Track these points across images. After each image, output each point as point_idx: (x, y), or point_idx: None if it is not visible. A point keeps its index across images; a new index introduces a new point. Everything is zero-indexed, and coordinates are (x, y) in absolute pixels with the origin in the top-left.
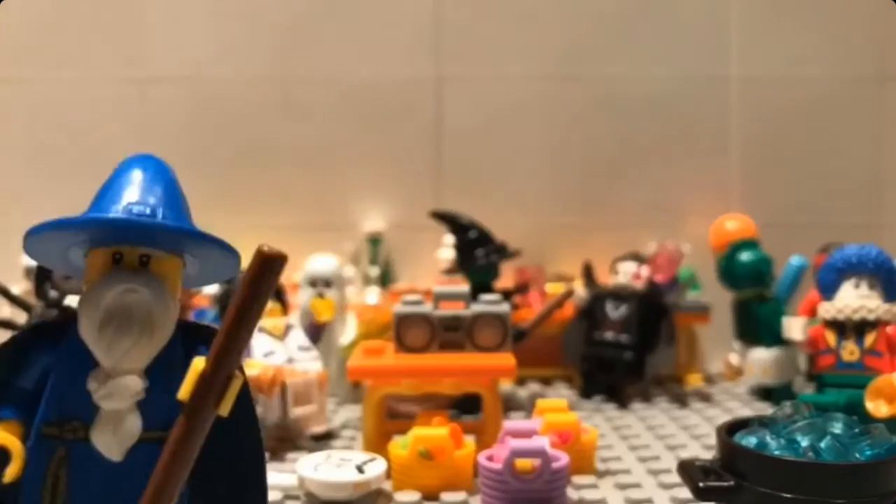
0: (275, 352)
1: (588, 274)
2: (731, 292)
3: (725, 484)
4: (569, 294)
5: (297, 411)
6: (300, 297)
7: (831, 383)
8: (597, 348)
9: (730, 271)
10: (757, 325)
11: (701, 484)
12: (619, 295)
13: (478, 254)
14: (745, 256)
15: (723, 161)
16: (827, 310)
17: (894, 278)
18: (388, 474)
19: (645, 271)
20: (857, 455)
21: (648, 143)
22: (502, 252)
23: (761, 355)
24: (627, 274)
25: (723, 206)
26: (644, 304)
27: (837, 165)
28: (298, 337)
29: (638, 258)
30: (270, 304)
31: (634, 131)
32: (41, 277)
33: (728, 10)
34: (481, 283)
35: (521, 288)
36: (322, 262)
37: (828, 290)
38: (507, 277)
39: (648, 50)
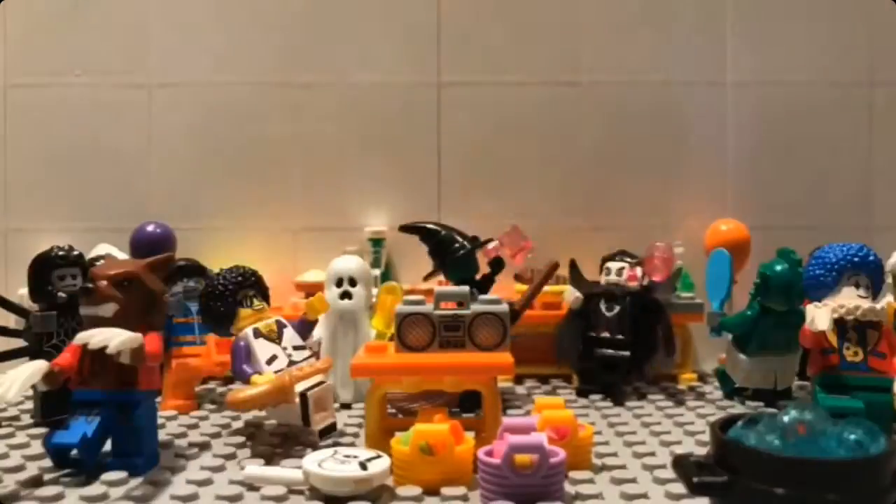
0: (277, 356)
1: (574, 272)
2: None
3: (719, 479)
4: (555, 267)
5: (317, 418)
6: (327, 296)
7: (835, 384)
8: (595, 347)
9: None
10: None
11: (695, 479)
12: (612, 294)
13: (452, 250)
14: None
15: (718, 165)
16: (834, 309)
17: (880, 279)
18: (390, 470)
19: (640, 271)
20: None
21: (645, 148)
22: (475, 243)
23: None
24: (620, 272)
25: (718, 208)
26: (637, 303)
27: (829, 169)
28: (291, 336)
29: (627, 255)
30: (260, 305)
31: (631, 136)
32: (40, 278)
33: (723, 18)
34: (463, 279)
35: (497, 264)
36: (347, 261)
37: (824, 289)
38: (506, 279)
39: (645, 57)
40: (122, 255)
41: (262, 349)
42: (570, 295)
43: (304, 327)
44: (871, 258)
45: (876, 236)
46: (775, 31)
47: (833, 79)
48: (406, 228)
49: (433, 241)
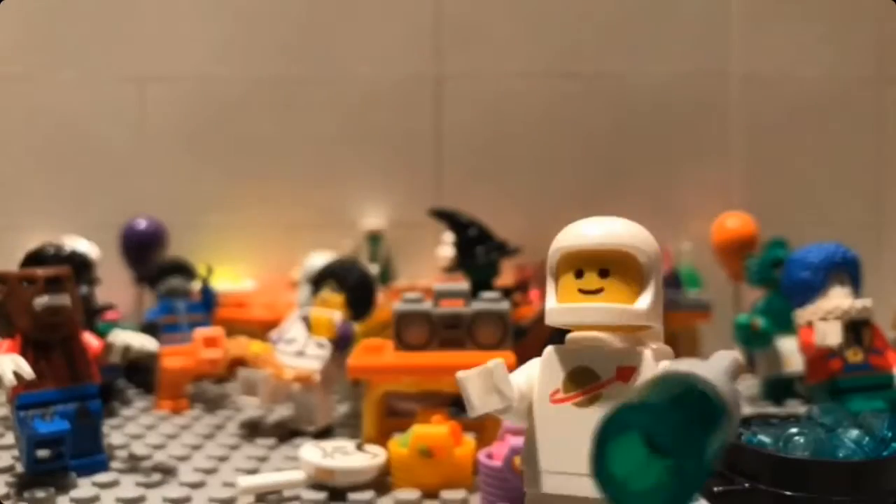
0: (297, 340)
1: None
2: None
3: (740, 487)
4: None
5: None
6: (299, 295)
7: (847, 388)
8: None
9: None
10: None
11: (715, 488)
12: None
13: (478, 251)
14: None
15: (723, 159)
16: (831, 311)
17: (859, 276)
18: (388, 472)
19: None
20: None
21: (649, 141)
22: (502, 249)
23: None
24: None
25: (724, 204)
26: None
27: (838, 164)
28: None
29: None
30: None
31: (635, 128)
32: None
33: (729, 7)
34: (481, 280)
35: (521, 286)
36: (322, 260)
37: (811, 291)
38: (506, 275)
39: (649, 47)
40: (86, 246)
41: (295, 328)
42: None
43: (344, 343)
44: (852, 255)
45: (886, 232)
46: (782, 22)
47: (842, 73)
48: (437, 214)
49: (462, 235)
